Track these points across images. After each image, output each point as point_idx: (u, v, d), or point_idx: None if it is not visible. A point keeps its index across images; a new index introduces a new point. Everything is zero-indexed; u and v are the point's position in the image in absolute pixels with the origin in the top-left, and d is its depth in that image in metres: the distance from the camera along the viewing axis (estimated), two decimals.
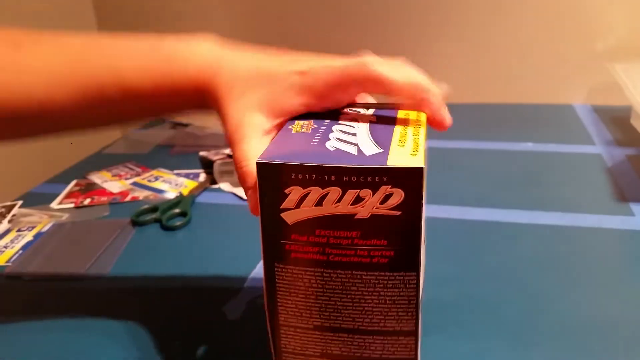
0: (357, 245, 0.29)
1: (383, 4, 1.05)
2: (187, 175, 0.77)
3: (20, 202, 0.71)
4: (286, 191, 0.29)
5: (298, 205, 0.29)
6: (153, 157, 0.85)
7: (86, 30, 1.27)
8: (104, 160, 0.84)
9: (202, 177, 0.76)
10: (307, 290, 0.31)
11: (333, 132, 0.32)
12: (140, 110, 0.40)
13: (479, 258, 0.53)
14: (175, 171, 0.79)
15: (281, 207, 0.29)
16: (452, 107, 0.36)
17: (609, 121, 0.88)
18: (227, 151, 0.81)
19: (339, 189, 0.28)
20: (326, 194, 0.29)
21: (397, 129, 0.33)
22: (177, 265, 0.55)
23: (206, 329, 0.45)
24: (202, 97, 0.38)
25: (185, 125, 0.99)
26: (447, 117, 0.35)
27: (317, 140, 0.31)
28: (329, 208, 0.29)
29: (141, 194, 0.71)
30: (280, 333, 0.33)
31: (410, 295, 0.30)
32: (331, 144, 0.31)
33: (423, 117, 0.35)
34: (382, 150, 0.30)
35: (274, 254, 0.31)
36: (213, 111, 0.39)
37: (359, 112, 0.36)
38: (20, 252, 0.59)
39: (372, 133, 0.32)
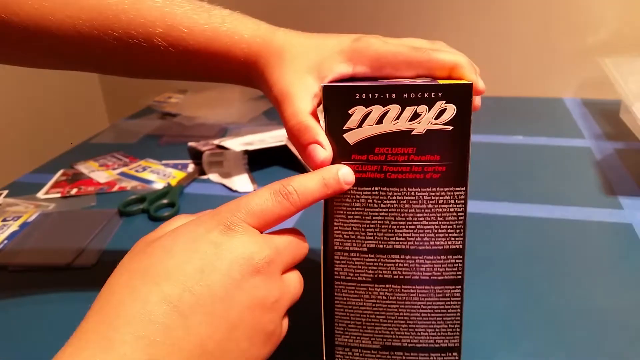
0: (412, 161, 0.32)
1: None
2: (175, 166, 0.76)
3: (5, 192, 0.70)
4: (350, 111, 0.32)
5: (360, 125, 0.32)
6: (141, 147, 0.84)
7: None
8: (91, 150, 0.83)
9: (191, 167, 0.75)
10: (364, 211, 0.33)
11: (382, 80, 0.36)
12: (182, 67, 0.40)
13: (468, 250, 0.53)
14: (164, 161, 0.78)
15: (344, 127, 0.32)
16: None
17: (598, 115, 0.89)
18: (216, 142, 0.80)
19: (399, 106, 0.31)
20: (387, 112, 0.32)
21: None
22: None
23: None
24: (250, 65, 0.38)
25: (174, 115, 0.98)
26: (480, 83, 0.36)
27: (370, 80, 0.35)
28: (389, 125, 0.32)
29: (129, 184, 0.71)
30: (335, 259, 0.34)
31: (459, 211, 0.33)
32: (385, 80, 0.35)
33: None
34: (432, 79, 0.34)
35: None
36: (254, 84, 0.39)
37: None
38: (6, 242, 0.58)
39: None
